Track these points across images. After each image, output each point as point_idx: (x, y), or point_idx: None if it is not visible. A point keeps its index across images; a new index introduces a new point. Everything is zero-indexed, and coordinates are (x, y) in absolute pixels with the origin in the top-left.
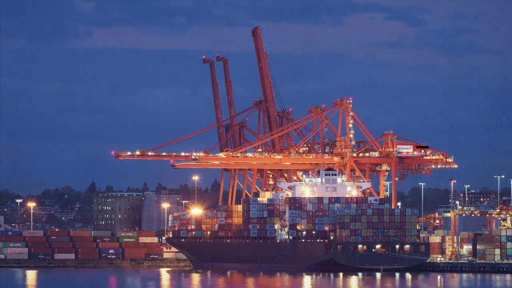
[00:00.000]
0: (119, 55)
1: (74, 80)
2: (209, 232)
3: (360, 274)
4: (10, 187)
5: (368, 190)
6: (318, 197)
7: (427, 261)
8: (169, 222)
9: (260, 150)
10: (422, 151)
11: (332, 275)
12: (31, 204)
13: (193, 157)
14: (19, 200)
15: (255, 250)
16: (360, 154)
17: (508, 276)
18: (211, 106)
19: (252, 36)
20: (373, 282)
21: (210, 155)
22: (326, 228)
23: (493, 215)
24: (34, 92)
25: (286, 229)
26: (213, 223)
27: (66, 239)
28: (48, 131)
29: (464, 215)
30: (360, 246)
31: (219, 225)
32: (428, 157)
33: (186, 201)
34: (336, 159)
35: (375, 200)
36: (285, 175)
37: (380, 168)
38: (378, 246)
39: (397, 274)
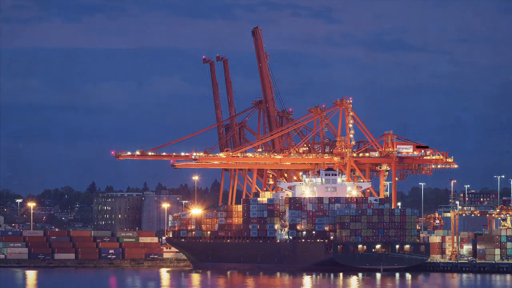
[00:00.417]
0: (119, 55)
1: (75, 79)
2: (209, 232)
3: (360, 274)
4: (10, 187)
5: (368, 190)
6: (318, 197)
7: (427, 261)
8: (169, 222)
9: (260, 150)
10: (422, 151)
11: (332, 275)
12: (31, 204)
13: (193, 157)
14: (19, 200)
15: (255, 250)
16: (360, 154)
17: (508, 276)
18: (211, 106)
19: (252, 36)
20: (373, 282)
21: (210, 155)
22: (326, 228)
23: (493, 215)
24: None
25: (286, 229)
26: (213, 223)
27: (66, 239)
28: (48, 131)
29: (464, 215)
30: (360, 246)
31: (219, 225)
32: (428, 157)
33: (186, 201)
34: (336, 159)
35: (375, 200)
36: (285, 175)
37: (380, 168)
38: (378, 246)
39: (397, 274)
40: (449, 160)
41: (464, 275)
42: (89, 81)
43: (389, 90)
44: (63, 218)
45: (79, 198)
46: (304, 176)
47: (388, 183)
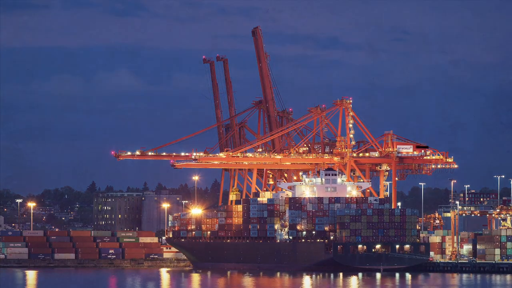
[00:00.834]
0: (119, 54)
1: (75, 79)
2: (209, 232)
3: (360, 274)
4: (10, 187)
5: (368, 190)
6: (318, 197)
7: (427, 261)
8: (169, 222)
9: (260, 150)
10: (422, 151)
11: (332, 275)
12: (31, 204)
13: (193, 157)
14: (19, 200)
15: (255, 250)
16: (360, 154)
17: (508, 276)
18: (211, 106)
19: (252, 36)
20: (373, 282)
21: (210, 155)
22: (326, 228)
23: (493, 215)
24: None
25: (286, 229)
26: (213, 223)
27: (66, 239)
28: (48, 131)
29: (464, 215)
30: (360, 246)
31: (219, 225)
32: (428, 157)
33: (186, 201)
34: (336, 159)
35: (375, 200)
36: (285, 175)
37: (380, 168)
38: (378, 246)
39: (397, 274)
40: (449, 160)
41: (464, 275)
42: (90, 81)
43: (389, 90)
44: (63, 218)
45: (79, 198)
46: (304, 176)
47: (388, 183)
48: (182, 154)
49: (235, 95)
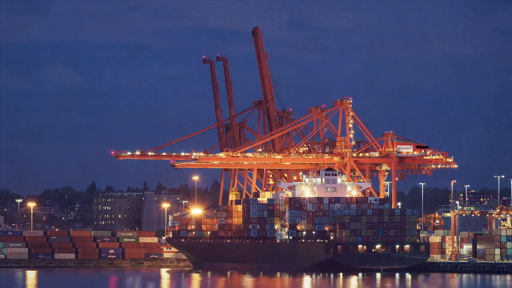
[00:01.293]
0: (120, 55)
1: (75, 79)
2: (209, 232)
3: (360, 274)
4: (10, 187)
5: (368, 190)
6: (318, 197)
7: (427, 261)
8: (169, 222)
9: (260, 150)
10: (422, 151)
11: (332, 275)
12: (31, 204)
13: (193, 157)
14: (19, 200)
15: (255, 250)
16: (360, 154)
17: (508, 276)
18: (211, 106)
19: (252, 36)
20: (373, 282)
21: (210, 155)
22: (326, 228)
23: (493, 215)
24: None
25: (286, 229)
26: (213, 223)
27: (66, 239)
28: (48, 131)
29: (464, 215)
30: (360, 246)
31: (219, 225)
32: (428, 157)
33: (186, 201)
34: (336, 159)
35: (375, 200)
36: (285, 175)
37: (380, 168)
38: (378, 246)
39: (397, 274)
40: (449, 160)
41: (464, 275)
42: (90, 81)
43: (389, 90)
44: (63, 218)
45: (79, 198)
46: (304, 176)
47: (388, 183)
48: (182, 154)
49: (235, 95)
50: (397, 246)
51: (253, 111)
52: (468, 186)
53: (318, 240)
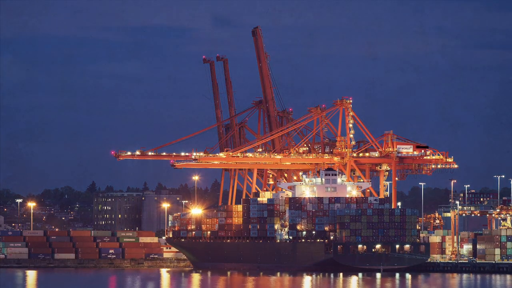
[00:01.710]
0: (120, 55)
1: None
2: (209, 232)
3: (360, 274)
4: (10, 187)
5: (368, 190)
6: (318, 197)
7: (427, 261)
8: (169, 222)
9: (260, 150)
10: (422, 151)
11: (332, 275)
12: (31, 204)
13: (193, 157)
14: (19, 200)
15: (255, 250)
16: (360, 154)
17: (508, 276)
18: (211, 106)
19: (252, 36)
20: (373, 282)
21: (210, 155)
22: (326, 228)
23: (493, 215)
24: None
25: (286, 229)
26: (213, 223)
27: (66, 239)
28: (48, 131)
29: (464, 215)
30: (360, 246)
31: (219, 225)
32: (428, 157)
33: (186, 201)
34: (336, 159)
35: (375, 200)
36: (285, 175)
37: (380, 168)
38: (378, 246)
39: (397, 274)
40: (449, 160)
41: (464, 275)
42: (90, 81)
43: (389, 90)
44: (63, 218)
45: (79, 198)
46: (304, 176)
47: (388, 183)
48: (182, 154)
49: (235, 95)
50: (397, 246)
51: (253, 111)
52: (468, 186)
53: (318, 240)
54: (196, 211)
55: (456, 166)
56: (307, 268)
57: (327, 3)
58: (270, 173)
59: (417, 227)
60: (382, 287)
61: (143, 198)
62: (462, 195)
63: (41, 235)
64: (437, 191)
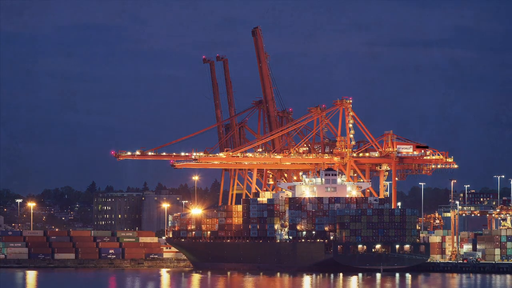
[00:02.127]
0: (120, 55)
1: (75, 80)
2: (209, 232)
3: (360, 274)
4: (10, 187)
5: (368, 190)
6: (318, 197)
7: (427, 261)
8: (169, 222)
9: (260, 150)
10: (422, 151)
11: (332, 275)
12: (31, 204)
13: (193, 157)
14: (19, 200)
15: (255, 250)
16: (360, 154)
17: (508, 276)
18: (211, 106)
19: (252, 36)
20: (373, 282)
21: (210, 155)
22: (326, 228)
23: (493, 215)
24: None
25: (286, 229)
26: (213, 223)
27: (66, 239)
28: (48, 131)
29: (464, 215)
30: (360, 246)
31: (219, 225)
32: (428, 157)
33: (186, 201)
34: (336, 159)
35: (375, 200)
36: (285, 175)
37: (380, 168)
38: (378, 246)
39: (397, 274)
40: (449, 160)
41: (464, 275)
42: (90, 81)
43: (389, 90)
44: (63, 218)
45: (79, 198)
46: (304, 176)
47: (388, 183)
48: (182, 154)
49: (235, 95)
50: (397, 246)
51: (253, 111)
52: (468, 186)
53: (318, 240)
54: (196, 211)
55: (456, 166)
56: (307, 268)
57: (327, 3)
58: (270, 173)
59: (417, 227)
60: (382, 287)
61: (143, 198)
62: (462, 195)
63: (41, 235)
64: (437, 191)
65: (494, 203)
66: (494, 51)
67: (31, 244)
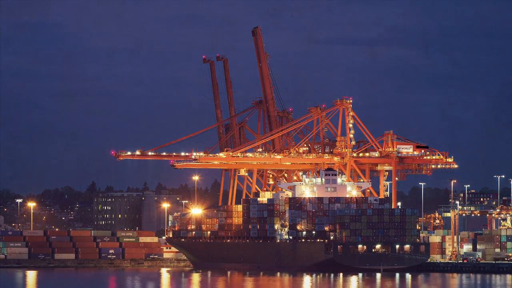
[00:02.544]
0: (119, 55)
1: (75, 80)
2: (209, 232)
3: (360, 274)
4: (10, 187)
5: (368, 190)
6: (318, 197)
7: (427, 261)
8: (169, 222)
9: (260, 150)
10: (422, 151)
11: (332, 275)
12: (31, 204)
13: (193, 157)
14: (19, 200)
15: (255, 250)
16: (360, 154)
17: (508, 276)
18: (211, 106)
19: (252, 36)
20: (373, 282)
21: (210, 155)
22: (326, 228)
23: (493, 215)
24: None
25: (286, 229)
26: (213, 223)
27: (66, 239)
28: (48, 131)
29: (464, 215)
30: (360, 246)
31: (219, 225)
32: (428, 157)
33: (186, 201)
34: (336, 159)
35: (375, 200)
36: (285, 175)
37: (380, 168)
38: (378, 246)
39: (397, 274)
40: (449, 160)
41: (464, 275)
42: (89, 81)
43: (389, 90)
44: (63, 218)
45: (79, 198)
46: (304, 176)
47: (388, 183)
48: (182, 154)
49: (235, 95)
50: (397, 246)
51: (253, 111)
52: (468, 186)
53: (318, 240)
54: (196, 211)
55: (456, 166)
56: (307, 268)
57: (327, 3)
58: (270, 173)
59: (417, 227)
60: (382, 287)
61: (143, 198)
62: (462, 195)
63: (41, 235)
64: (437, 191)
65: (494, 203)
66: (494, 50)
67: (31, 244)
